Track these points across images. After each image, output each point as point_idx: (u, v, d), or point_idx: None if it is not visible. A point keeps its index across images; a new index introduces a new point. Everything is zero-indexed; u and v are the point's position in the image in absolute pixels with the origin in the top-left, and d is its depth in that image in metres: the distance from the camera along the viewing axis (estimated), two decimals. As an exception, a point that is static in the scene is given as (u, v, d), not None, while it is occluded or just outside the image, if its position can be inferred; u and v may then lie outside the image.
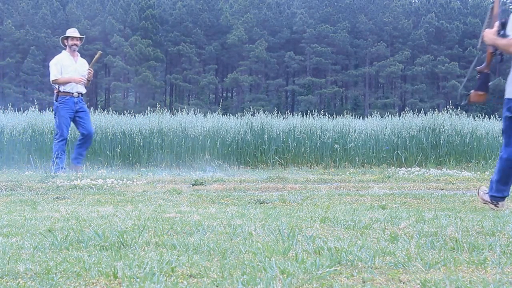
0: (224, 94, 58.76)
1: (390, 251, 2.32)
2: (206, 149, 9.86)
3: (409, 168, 8.83)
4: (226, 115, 12.26)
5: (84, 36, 8.14)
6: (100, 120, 10.25)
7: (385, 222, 3.13)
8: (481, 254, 2.27)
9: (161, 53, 51.57)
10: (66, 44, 7.98)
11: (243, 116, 11.03)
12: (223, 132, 10.20)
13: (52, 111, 9.25)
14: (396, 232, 2.78)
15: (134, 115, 11.45)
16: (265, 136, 10.17)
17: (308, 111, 11.93)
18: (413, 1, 58.76)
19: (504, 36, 4.13)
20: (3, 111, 11.49)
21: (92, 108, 11.88)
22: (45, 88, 48.98)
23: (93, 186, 5.68)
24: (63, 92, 7.76)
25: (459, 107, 11.25)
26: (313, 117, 11.22)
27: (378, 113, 12.68)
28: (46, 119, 10.14)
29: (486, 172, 8.15)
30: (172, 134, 10.06)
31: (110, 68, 51.19)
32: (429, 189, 5.75)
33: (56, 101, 7.77)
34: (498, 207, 4.08)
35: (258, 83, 53.67)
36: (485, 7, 54.76)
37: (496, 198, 4.10)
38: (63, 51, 8.03)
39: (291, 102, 55.86)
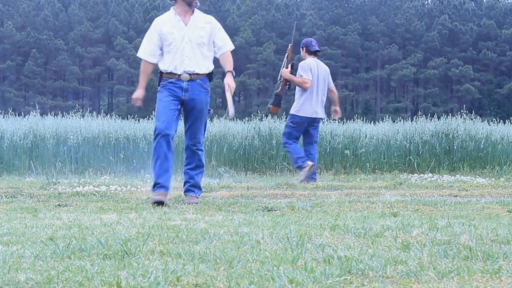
0: (232, 98, 58.80)
1: (402, 259, 2.28)
2: (213, 154, 9.80)
3: (422, 175, 8.74)
4: (233, 119, 12.23)
5: None
6: (103, 125, 10.23)
7: (396, 230, 3.09)
8: (495, 263, 2.22)
9: (166, 56, 51.54)
10: None
11: (250, 120, 10.98)
12: (230, 137, 10.14)
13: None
14: (408, 240, 2.75)
15: (138, 120, 11.46)
16: (273, 141, 10.10)
17: (318, 115, 11.85)
18: (426, 2, 58.39)
19: (295, 74, 7.22)
20: (4, 116, 11.48)
21: (94, 113, 11.42)
22: (47, 91, 48.58)
23: (96, 193, 5.65)
24: (166, 73, 4.92)
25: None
26: (323, 122, 11.15)
27: (390, 117, 12.58)
28: (48, 124, 10.14)
29: (501, 178, 8.06)
30: (177, 139, 10.02)
31: (113, 72, 51.02)
32: (442, 196, 5.69)
33: (159, 85, 5.01)
34: None
35: (266, 87, 53.48)
36: (499, 9, 54.13)
37: None
38: (171, 8, 4.95)
39: (301, 106, 55.79)
